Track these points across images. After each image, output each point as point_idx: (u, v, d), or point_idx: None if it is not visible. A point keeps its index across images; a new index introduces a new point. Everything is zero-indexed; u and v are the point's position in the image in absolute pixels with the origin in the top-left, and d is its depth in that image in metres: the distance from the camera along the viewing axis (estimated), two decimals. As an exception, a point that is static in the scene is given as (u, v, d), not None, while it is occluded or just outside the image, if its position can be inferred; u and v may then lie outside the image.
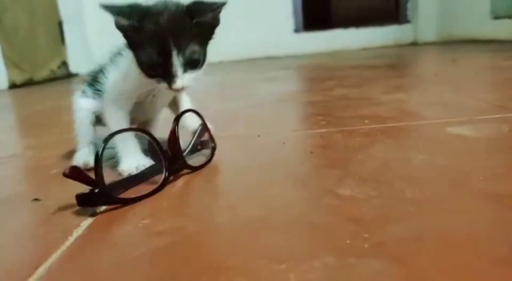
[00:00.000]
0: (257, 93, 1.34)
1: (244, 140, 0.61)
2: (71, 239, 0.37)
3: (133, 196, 0.46)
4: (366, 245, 0.31)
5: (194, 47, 0.51)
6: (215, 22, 0.54)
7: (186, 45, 0.50)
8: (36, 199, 0.49)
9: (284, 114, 0.94)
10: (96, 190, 0.43)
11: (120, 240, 0.37)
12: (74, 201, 0.44)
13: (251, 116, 0.93)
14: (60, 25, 3.00)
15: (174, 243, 0.35)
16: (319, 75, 1.75)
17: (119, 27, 0.51)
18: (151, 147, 0.52)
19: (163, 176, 0.49)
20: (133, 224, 0.40)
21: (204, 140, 0.61)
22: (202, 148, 0.61)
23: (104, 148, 0.45)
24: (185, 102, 0.66)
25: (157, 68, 0.51)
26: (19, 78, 2.49)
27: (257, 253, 0.32)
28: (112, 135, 0.48)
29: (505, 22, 2.61)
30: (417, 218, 0.35)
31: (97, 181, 0.43)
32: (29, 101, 1.78)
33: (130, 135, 0.57)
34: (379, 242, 0.32)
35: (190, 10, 0.51)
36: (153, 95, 0.57)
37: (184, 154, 0.55)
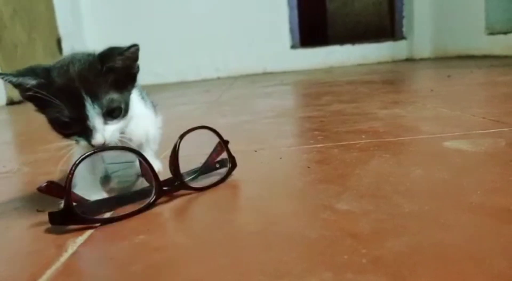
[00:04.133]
0: (255, 109, 1.35)
1: (241, 155, 0.61)
2: (66, 255, 0.37)
3: (108, 216, 0.45)
4: (364, 261, 0.31)
5: (112, 95, 0.46)
6: (129, 67, 0.49)
7: (101, 94, 0.45)
8: (39, 210, 0.49)
9: (281, 129, 0.94)
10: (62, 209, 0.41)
11: (116, 255, 0.37)
12: (70, 217, 0.43)
13: (248, 131, 0.93)
14: (58, 41, 3.02)
15: (170, 258, 0.35)
16: (316, 90, 1.76)
17: (25, 91, 0.46)
18: (143, 168, 0.49)
19: (150, 199, 0.47)
20: (129, 240, 0.39)
21: (223, 158, 0.58)
22: (220, 167, 0.58)
23: (75, 168, 0.43)
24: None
25: (71, 124, 0.45)
26: (17, 95, 2.49)
27: (254, 269, 0.31)
28: (89, 155, 0.44)
29: (500, 37, 2.64)
30: (415, 233, 0.35)
31: (65, 201, 0.41)
32: (27, 118, 1.78)
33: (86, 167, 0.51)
34: (377, 257, 0.31)
35: (100, 57, 0.47)
36: None
37: (193, 174, 0.54)
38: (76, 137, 0.47)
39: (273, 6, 3.42)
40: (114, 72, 0.47)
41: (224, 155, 0.58)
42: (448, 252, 0.31)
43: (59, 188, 0.42)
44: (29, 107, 0.52)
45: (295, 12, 3.46)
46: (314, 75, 2.62)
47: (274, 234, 0.38)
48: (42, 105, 0.46)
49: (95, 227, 0.43)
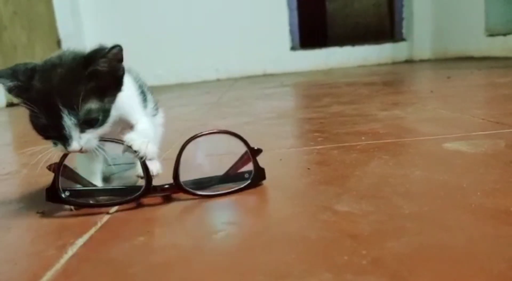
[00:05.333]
0: (255, 110, 1.35)
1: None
2: (66, 256, 0.37)
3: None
4: (364, 262, 0.31)
5: (90, 105, 0.46)
6: (113, 70, 0.47)
7: (79, 104, 0.44)
8: (39, 212, 0.49)
9: (281, 131, 0.94)
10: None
11: (116, 257, 0.37)
12: (69, 218, 0.43)
13: (248, 132, 0.93)
14: (58, 43, 3.02)
15: (170, 260, 0.35)
16: (316, 92, 1.76)
17: (9, 90, 0.46)
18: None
19: (135, 195, 0.49)
20: (129, 241, 0.39)
21: (246, 170, 0.54)
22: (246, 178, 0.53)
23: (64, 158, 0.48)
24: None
25: (49, 130, 0.46)
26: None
27: (254, 270, 0.31)
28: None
29: (500, 39, 2.65)
30: (415, 234, 0.35)
31: (54, 182, 0.47)
32: (26, 120, 1.78)
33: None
34: (377, 258, 0.31)
35: (83, 61, 0.46)
36: None
37: (207, 181, 0.52)
38: (53, 140, 0.47)
39: (273, 8, 3.42)
40: (97, 77, 0.46)
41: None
42: (448, 253, 0.31)
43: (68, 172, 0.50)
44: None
45: (295, 13, 3.46)
46: (314, 77, 2.62)
47: (274, 235, 0.38)
48: (25, 103, 0.46)
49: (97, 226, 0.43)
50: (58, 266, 0.35)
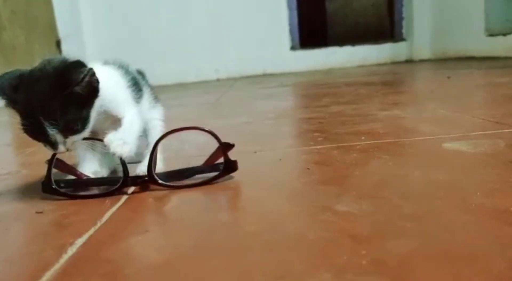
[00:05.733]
0: (254, 110, 1.35)
1: (241, 156, 0.61)
2: (65, 256, 0.37)
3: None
4: (363, 262, 0.31)
5: (69, 117, 0.51)
6: (88, 89, 0.52)
7: (58, 117, 0.50)
8: (38, 212, 0.49)
9: (280, 131, 0.94)
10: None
11: (115, 257, 0.36)
12: (69, 218, 0.43)
13: (247, 132, 0.93)
14: (58, 43, 3.02)
15: (169, 260, 0.35)
16: (316, 92, 1.76)
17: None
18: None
19: (114, 186, 0.54)
20: (128, 241, 0.39)
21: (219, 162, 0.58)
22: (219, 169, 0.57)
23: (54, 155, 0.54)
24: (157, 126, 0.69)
25: (36, 136, 0.51)
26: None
27: (253, 270, 0.31)
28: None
29: (500, 39, 2.64)
30: (415, 234, 0.35)
31: (47, 174, 0.53)
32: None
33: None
34: (377, 259, 0.31)
35: (62, 79, 0.50)
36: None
37: (183, 173, 0.57)
38: (43, 143, 0.52)
39: (272, 8, 3.42)
40: (73, 95, 0.50)
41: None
42: (448, 253, 0.31)
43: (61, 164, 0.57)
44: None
45: (295, 13, 3.46)
46: (313, 77, 2.62)
47: (274, 235, 0.37)
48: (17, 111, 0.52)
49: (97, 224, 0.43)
50: (58, 266, 0.35)
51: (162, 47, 3.34)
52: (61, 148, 0.52)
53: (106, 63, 0.64)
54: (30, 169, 0.76)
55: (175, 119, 1.23)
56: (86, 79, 0.50)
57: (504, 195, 0.42)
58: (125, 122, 0.58)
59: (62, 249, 0.38)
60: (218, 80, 3.34)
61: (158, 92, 0.75)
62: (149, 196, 0.53)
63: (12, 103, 0.51)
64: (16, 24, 2.60)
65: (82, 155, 0.62)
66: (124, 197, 0.52)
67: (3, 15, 2.48)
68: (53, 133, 0.50)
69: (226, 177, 0.56)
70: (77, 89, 0.50)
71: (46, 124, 0.49)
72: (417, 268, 0.30)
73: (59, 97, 0.50)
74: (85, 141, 0.56)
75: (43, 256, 0.38)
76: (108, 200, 0.52)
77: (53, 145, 0.52)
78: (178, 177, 0.57)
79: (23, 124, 0.51)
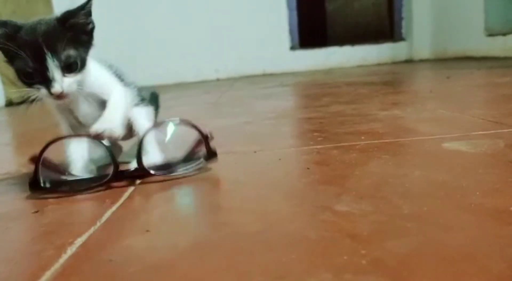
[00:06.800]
0: (254, 110, 1.35)
1: (241, 156, 0.61)
2: (65, 256, 0.37)
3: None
4: (363, 262, 0.31)
5: (69, 52, 0.54)
6: (87, 23, 0.56)
7: (60, 50, 0.53)
8: (35, 212, 0.49)
9: (280, 131, 0.94)
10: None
11: (115, 257, 0.36)
12: (69, 218, 0.43)
13: (247, 132, 0.93)
14: (58, 43, 3.02)
15: (169, 259, 0.35)
16: (315, 92, 1.76)
17: None
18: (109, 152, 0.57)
19: (104, 179, 0.56)
20: (128, 241, 0.39)
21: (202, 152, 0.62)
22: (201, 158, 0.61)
23: (44, 149, 0.55)
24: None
25: (34, 74, 0.53)
26: (15, 96, 2.50)
27: (253, 270, 0.31)
28: (55, 140, 0.56)
29: (499, 39, 2.65)
30: (415, 234, 0.35)
31: (35, 173, 0.54)
32: (26, 119, 1.78)
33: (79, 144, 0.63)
34: (376, 258, 0.31)
35: (62, 17, 0.55)
36: (70, 109, 0.61)
37: (170, 163, 0.60)
38: (38, 85, 0.54)
39: (272, 7, 3.43)
40: (74, 29, 0.55)
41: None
42: (448, 253, 0.31)
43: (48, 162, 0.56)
44: (28, 108, 0.53)
45: (295, 13, 3.46)
46: (313, 76, 2.62)
47: (273, 235, 0.37)
48: (10, 56, 0.54)
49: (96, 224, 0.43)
50: (57, 265, 0.35)
51: (162, 47, 3.34)
52: (57, 87, 0.53)
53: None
54: (30, 169, 0.75)
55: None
56: (89, 4, 0.55)
57: (504, 195, 0.42)
58: (110, 103, 0.61)
59: (62, 248, 0.38)
60: (218, 80, 3.35)
61: (158, 92, 0.76)
62: (149, 196, 0.53)
63: (12, 39, 0.52)
64: (16, 24, 2.60)
65: (73, 154, 0.63)
66: (124, 197, 0.53)
67: (4, 15, 2.48)
68: (53, 65, 0.52)
69: (226, 177, 0.56)
70: (82, 17, 0.55)
71: (48, 54, 0.51)
72: (417, 267, 0.30)
73: (61, 30, 0.53)
74: (75, 138, 0.61)
75: (43, 255, 0.38)
76: (108, 200, 0.52)
77: (49, 83, 0.53)
78: (166, 169, 0.59)
79: (22, 63, 0.52)
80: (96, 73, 0.61)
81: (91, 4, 0.55)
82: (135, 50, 3.25)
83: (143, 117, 0.69)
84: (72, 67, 0.54)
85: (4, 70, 2.45)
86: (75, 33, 0.55)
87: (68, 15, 0.54)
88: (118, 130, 0.59)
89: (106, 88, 0.62)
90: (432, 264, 0.30)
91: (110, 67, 0.67)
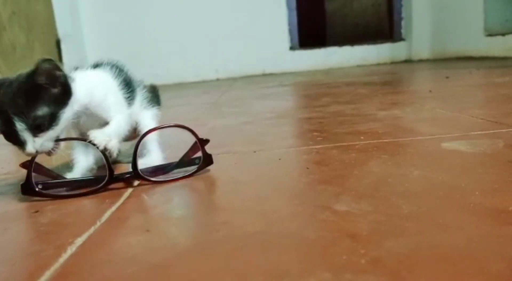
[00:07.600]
0: (254, 110, 1.35)
1: (240, 156, 0.61)
2: (65, 256, 0.37)
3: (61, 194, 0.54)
4: (362, 261, 0.31)
5: (37, 112, 0.52)
6: (52, 81, 0.54)
7: (26, 113, 0.52)
8: (36, 212, 0.49)
9: (280, 130, 0.94)
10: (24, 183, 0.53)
11: (115, 257, 0.36)
12: (68, 218, 0.43)
13: (247, 132, 0.93)
14: (58, 43, 3.02)
15: (168, 260, 0.35)
16: (315, 92, 1.76)
17: None
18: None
19: (100, 184, 0.55)
20: (128, 241, 0.39)
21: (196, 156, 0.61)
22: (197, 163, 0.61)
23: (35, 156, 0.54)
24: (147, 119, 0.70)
25: (9, 136, 0.53)
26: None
27: (252, 270, 0.31)
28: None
29: (499, 39, 2.65)
30: (414, 233, 0.35)
31: (27, 177, 0.53)
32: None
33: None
34: (376, 258, 0.31)
35: (28, 75, 0.53)
36: (78, 122, 0.61)
37: (164, 168, 0.60)
38: (15, 145, 0.54)
39: (272, 7, 3.43)
40: (40, 89, 0.53)
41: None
42: (447, 252, 0.31)
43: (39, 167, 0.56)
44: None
45: (294, 13, 3.46)
46: (313, 76, 2.62)
47: (273, 235, 0.38)
48: None
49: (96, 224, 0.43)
50: (57, 265, 0.35)
51: (162, 47, 3.34)
52: (30, 147, 0.53)
53: (98, 64, 0.66)
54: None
55: (175, 119, 1.23)
56: (43, 66, 0.52)
57: (503, 195, 0.42)
58: (112, 122, 0.62)
59: (61, 249, 0.38)
60: (217, 80, 3.35)
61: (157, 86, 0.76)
62: (149, 196, 0.53)
63: None
64: (16, 24, 2.60)
65: (76, 156, 0.63)
66: (124, 197, 0.53)
67: (3, 15, 2.48)
68: (21, 128, 0.52)
69: (226, 177, 0.56)
70: (39, 78, 0.52)
71: (15, 118, 0.51)
72: (416, 267, 0.30)
73: (25, 91, 0.52)
74: (76, 142, 0.60)
75: (42, 255, 0.38)
76: (107, 200, 0.52)
77: (22, 144, 0.53)
78: (161, 172, 0.60)
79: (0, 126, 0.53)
80: (98, 97, 0.61)
81: (49, 64, 0.53)
82: (135, 50, 3.25)
83: (148, 118, 0.70)
84: (41, 127, 0.53)
85: (4, 70, 2.45)
86: (42, 91, 0.53)
87: (33, 74, 0.53)
88: (114, 148, 0.58)
89: (110, 114, 0.62)
90: (431, 264, 0.30)
91: (120, 72, 0.66)
